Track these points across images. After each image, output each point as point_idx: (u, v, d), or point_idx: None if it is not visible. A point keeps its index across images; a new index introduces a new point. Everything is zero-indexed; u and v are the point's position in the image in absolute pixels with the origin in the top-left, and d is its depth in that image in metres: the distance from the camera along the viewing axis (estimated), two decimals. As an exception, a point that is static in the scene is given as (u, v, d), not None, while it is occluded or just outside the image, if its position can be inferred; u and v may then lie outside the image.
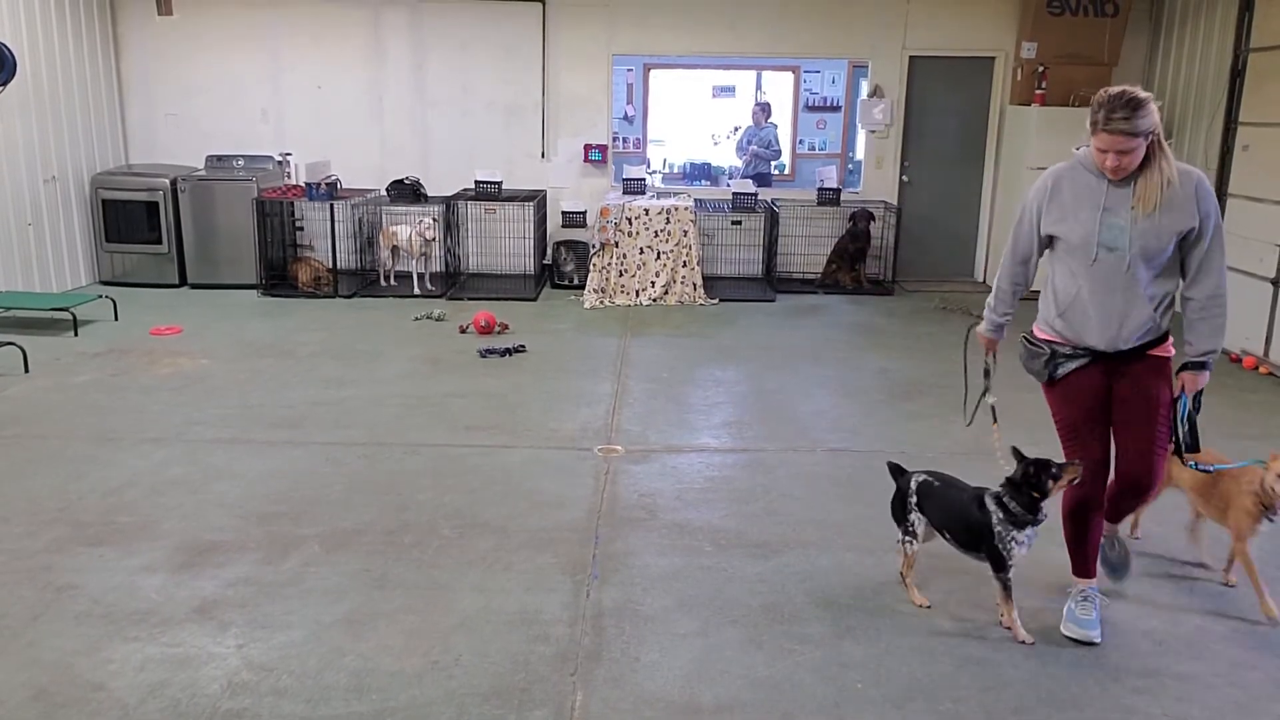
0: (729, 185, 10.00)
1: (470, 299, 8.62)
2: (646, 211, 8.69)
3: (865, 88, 9.79)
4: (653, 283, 8.70)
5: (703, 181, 11.52)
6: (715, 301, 8.72)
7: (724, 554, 4.02)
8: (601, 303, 8.58)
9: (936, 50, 9.41)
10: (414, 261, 8.84)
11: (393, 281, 9.07)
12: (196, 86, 9.42)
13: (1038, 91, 8.82)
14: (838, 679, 3.19)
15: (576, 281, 9.14)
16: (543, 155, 9.61)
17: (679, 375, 6.51)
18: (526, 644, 3.35)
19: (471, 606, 3.57)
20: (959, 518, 3.49)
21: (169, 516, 4.26)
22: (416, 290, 8.76)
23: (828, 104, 12.17)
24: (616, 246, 8.66)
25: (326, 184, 8.64)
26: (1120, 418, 3.40)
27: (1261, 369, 6.80)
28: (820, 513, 4.43)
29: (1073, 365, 3.42)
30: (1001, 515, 3.34)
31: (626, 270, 8.70)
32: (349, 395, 5.96)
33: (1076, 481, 3.31)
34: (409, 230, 8.80)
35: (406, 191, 9.01)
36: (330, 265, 8.80)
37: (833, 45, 9.50)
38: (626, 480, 4.75)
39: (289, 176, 9.33)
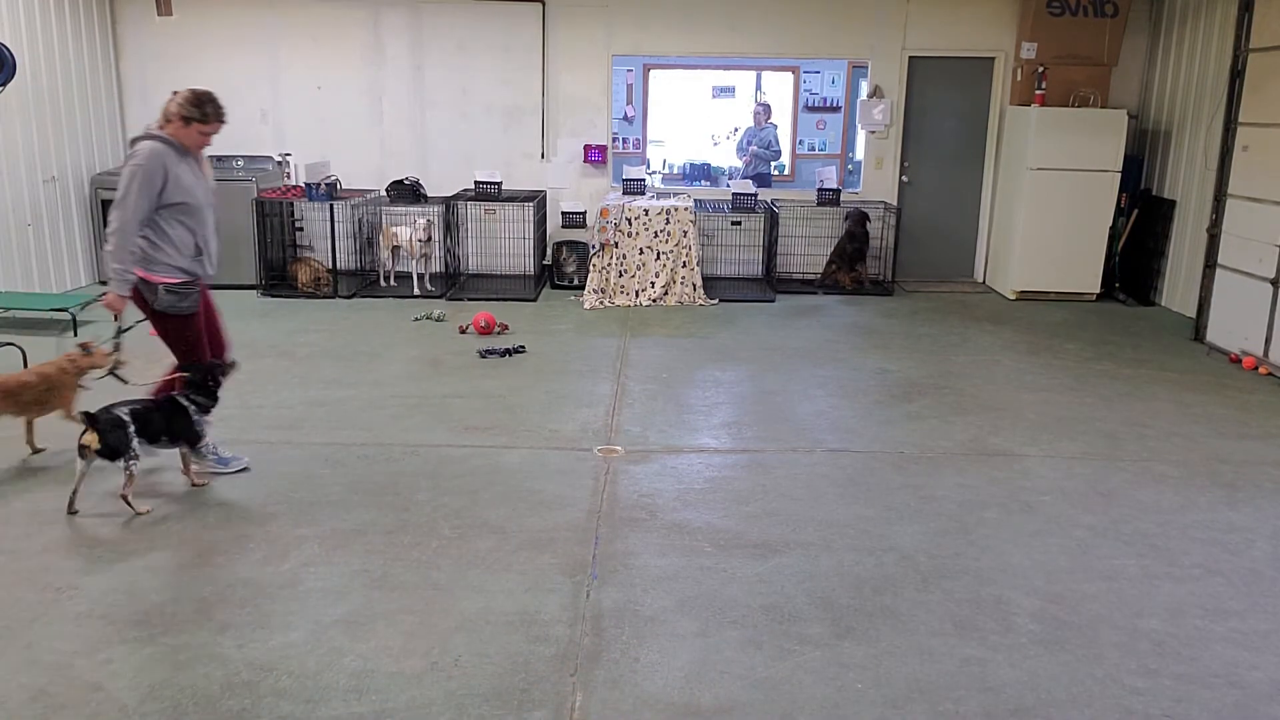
0: (729, 186, 9.99)
1: (470, 299, 8.62)
2: (646, 212, 8.69)
3: (865, 88, 9.79)
4: (652, 283, 8.69)
5: (702, 182, 11.52)
6: (715, 302, 8.72)
7: (724, 554, 4.02)
8: (601, 303, 8.58)
9: (936, 50, 9.41)
10: (414, 262, 8.84)
11: (392, 282, 9.07)
12: (196, 87, 9.40)
13: (1038, 92, 8.82)
14: (838, 679, 3.19)
15: (576, 282, 9.14)
16: (542, 156, 9.61)
17: (679, 376, 6.51)
18: (526, 644, 3.34)
19: (471, 607, 3.57)
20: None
21: (168, 517, 4.26)
22: (416, 291, 8.76)
23: (827, 104, 12.17)
24: (616, 247, 8.66)
25: (326, 184, 8.64)
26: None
27: (1261, 369, 6.80)
28: (820, 513, 4.43)
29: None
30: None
31: (626, 271, 8.70)
32: (348, 396, 5.96)
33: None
34: (409, 231, 8.80)
35: (406, 192, 9.01)
36: (330, 266, 8.80)
37: (832, 45, 9.50)
38: (626, 481, 4.75)
39: (288, 177, 9.33)
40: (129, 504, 4.23)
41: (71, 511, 4.25)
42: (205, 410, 4.42)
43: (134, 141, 4.38)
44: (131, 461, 4.19)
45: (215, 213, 4.65)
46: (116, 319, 4.56)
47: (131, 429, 4.19)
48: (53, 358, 4.82)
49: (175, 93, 4.49)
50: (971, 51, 9.43)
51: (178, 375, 4.55)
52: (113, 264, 4.30)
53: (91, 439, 4.10)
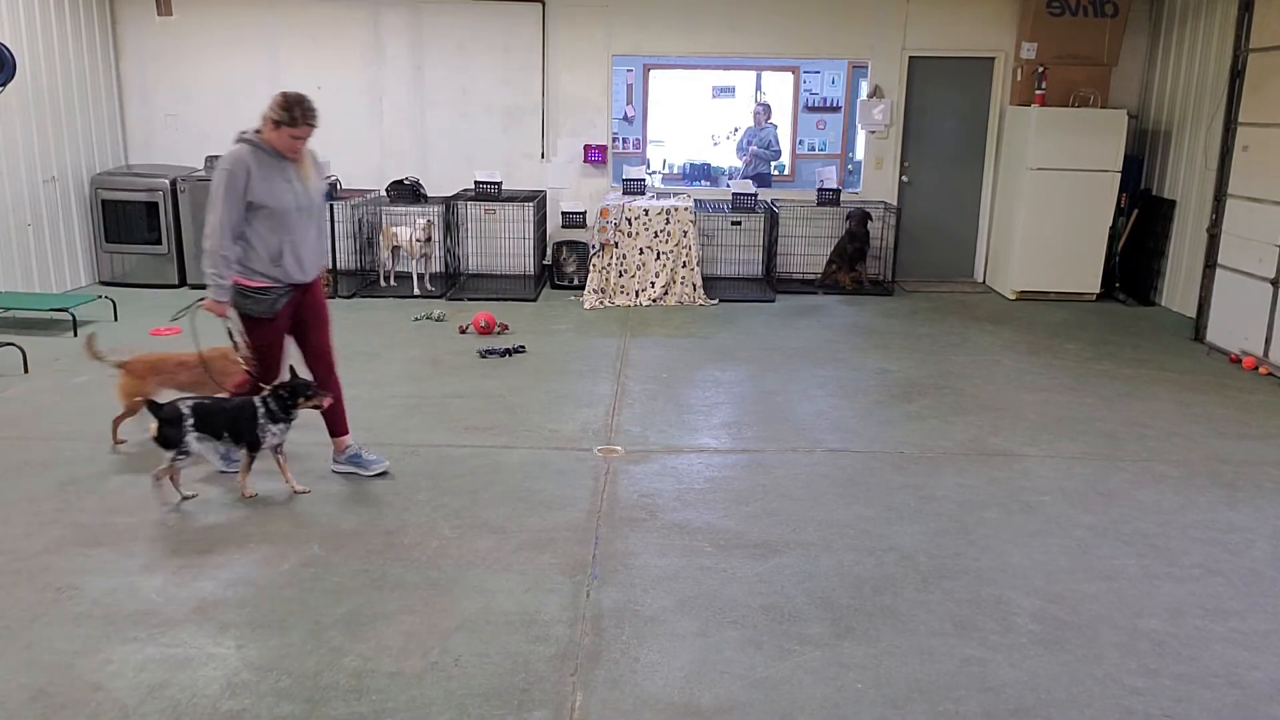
0: (729, 186, 9.99)
1: (470, 299, 8.62)
2: (646, 212, 8.69)
3: (865, 88, 9.79)
4: (652, 283, 8.69)
5: (702, 182, 11.52)
6: (715, 302, 8.72)
7: (724, 554, 4.02)
8: (601, 303, 8.58)
9: (936, 51, 9.41)
10: (414, 262, 8.84)
11: (392, 282, 9.07)
12: (196, 87, 9.42)
13: (1038, 92, 8.82)
14: (838, 679, 3.19)
15: (576, 282, 9.14)
16: (542, 156, 9.61)
17: (679, 376, 6.51)
18: (526, 644, 3.34)
19: (471, 607, 3.57)
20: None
21: (169, 517, 4.27)
22: (416, 291, 8.76)
23: (827, 104, 12.17)
24: (616, 247, 8.66)
25: (326, 184, 8.62)
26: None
27: (1261, 369, 6.80)
28: (820, 513, 4.43)
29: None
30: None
31: (626, 271, 8.70)
32: (348, 396, 5.91)
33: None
34: (409, 231, 8.80)
35: (406, 192, 9.01)
36: (330, 266, 8.78)
37: (832, 46, 9.50)
38: (626, 481, 4.75)
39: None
40: (156, 483, 4.36)
41: (186, 497, 4.43)
42: (274, 421, 4.37)
43: (235, 142, 4.37)
44: (180, 456, 4.29)
45: (315, 219, 4.54)
46: (233, 334, 4.54)
47: (189, 423, 4.27)
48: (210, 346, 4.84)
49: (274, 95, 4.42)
50: (971, 51, 9.42)
51: (259, 381, 4.51)
52: (206, 269, 4.30)
53: (152, 428, 4.25)
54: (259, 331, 4.48)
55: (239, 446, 4.41)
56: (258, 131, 4.33)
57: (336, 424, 4.76)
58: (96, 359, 4.93)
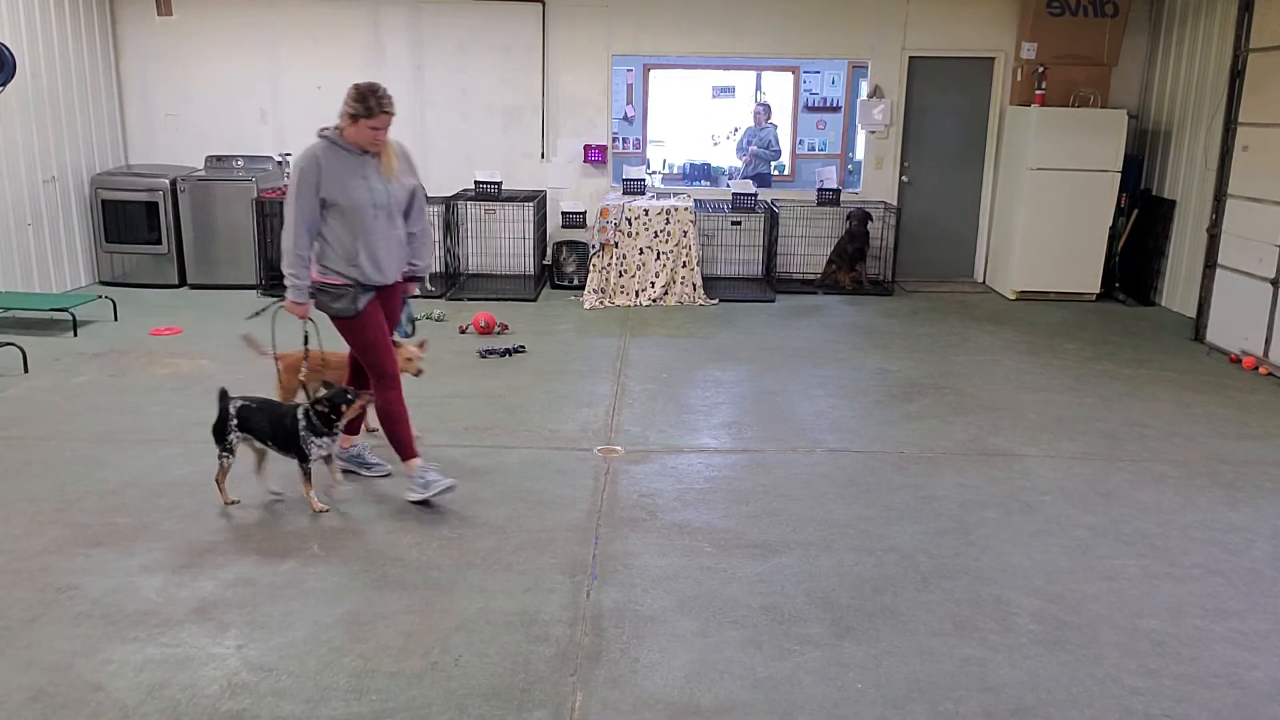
0: (729, 186, 9.99)
1: (470, 299, 8.62)
2: (646, 212, 8.69)
3: (865, 88, 9.79)
4: (652, 283, 8.69)
5: (702, 182, 11.52)
6: (715, 302, 8.72)
7: (724, 554, 4.02)
8: (601, 303, 8.58)
9: (936, 51, 9.41)
10: (414, 262, 8.82)
11: (392, 282, 9.06)
12: (196, 87, 9.42)
13: (1038, 92, 8.82)
14: (838, 679, 3.19)
15: (576, 282, 9.13)
16: (542, 156, 9.61)
17: (679, 376, 6.51)
18: (526, 644, 3.35)
19: (471, 607, 3.57)
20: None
21: (168, 517, 4.26)
22: (416, 291, 8.74)
23: (827, 104, 12.17)
24: (616, 247, 8.66)
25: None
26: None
27: (1261, 369, 6.80)
28: (820, 513, 4.43)
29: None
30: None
31: (626, 271, 8.70)
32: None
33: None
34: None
35: (406, 192, 8.99)
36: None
37: (832, 46, 9.50)
38: (626, 481, 4.75)
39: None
40: (218, 487, 4.38)
41: (274, 496, 4.44)
42: (315, 433, 4.23)
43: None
44: (225, 454, 4.31)
45: (392, 215, 4.34)
46: (308, 339, 4.47)
47: (233, 422, 4.29)
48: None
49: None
50: (971, 51, 9.42)
51: (376, 381, 4.45)
52: (284, 268, 4.21)
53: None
54: (354, 331, 4.35)
55: (286, 455, 4.31)
56: (338, 128, 4.22)
57: (400, 443, 4.50)
58: (260, 352, 4.82)
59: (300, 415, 4.25)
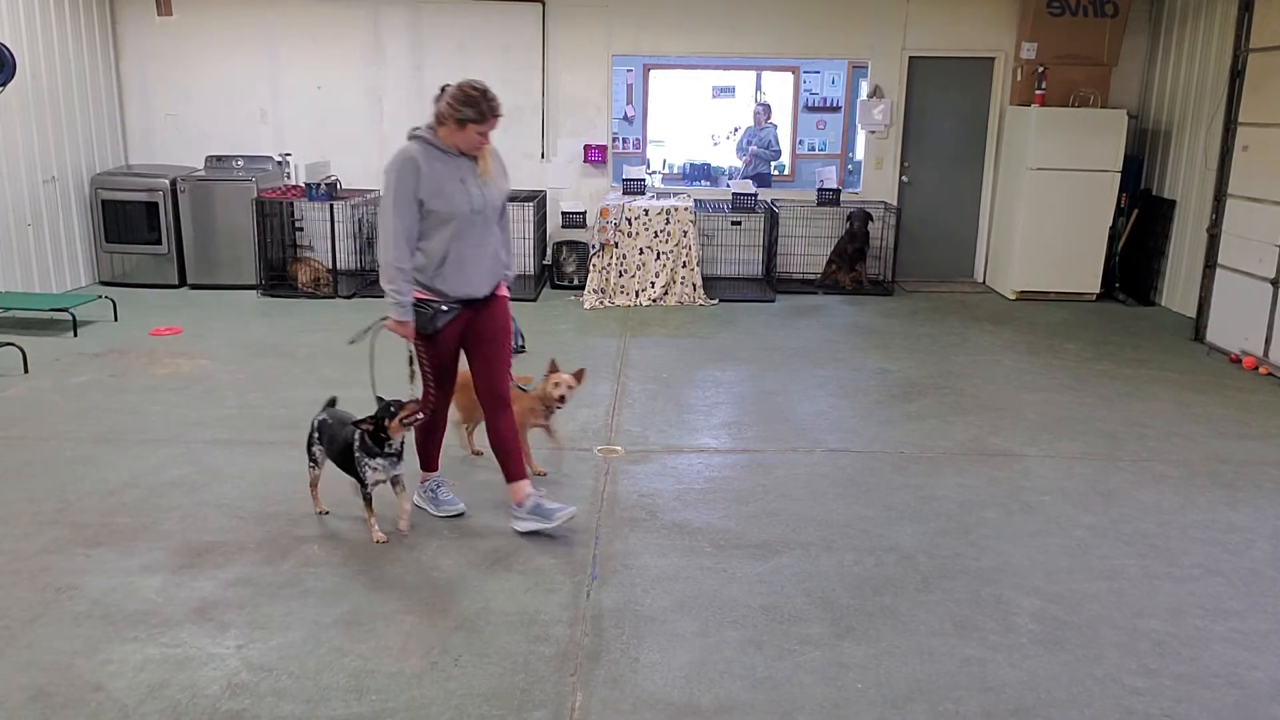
0: (729, 186, 10.00)
1: (470, 299, 8.61)
2: (646, 212, 8.69)
3: (865, 88, 9.79)
4: (652, 283, 8.69)
5: (702, 182, 11.52)
6: (715, 302, 8.72)
7: (724, 554, 4.02)
8: (601, 303, 8.58)
9: (936, 51, 9.41)
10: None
11: (392, 282, 9.05)
12: (196, 87, 9.42)
13: (1037, 92, 8.82)
14: (838, 679, 3.19)
15: (576, 282, 9.14)
16: (542, 156, 9.61)
17: (679, 376, 6.51)
18: (526, 644, 3.34)
19: (471, 607, 3.57)
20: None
21: (168, 517, 4.26)
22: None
23: (827, 104, 12.17)
24: (616, 247, 8.66)
25: (326, 184, 8.64)
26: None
27: (1261, 369, 6.80)
28: (820, 513, 4.43)
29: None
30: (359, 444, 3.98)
31: (626, 271, 8.70)
32: (348, 396, 5.94)
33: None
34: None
35: (406, 192, 8.99)
36: (330, 266, 8.80)
37: (832, 46, 9.50)
38: (626, 481, 4.75)
39: (288, 177, 9.33)
40: (311, 494, 4.31)
41: (320, 512, 4.32)
42: (368, 453, 3.94)
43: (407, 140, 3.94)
44: (310, 464, 4.23)
45: (488, 222, 3.98)
46: (413, 359, 4.14)
47: (315, 435, 4.19)
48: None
49: (444, 88, 3.85)
50: (971, 51, 9.42)
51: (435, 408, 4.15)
52: (384, 284, 3.88)
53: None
54: (428, 349, 4.04)
55: (349, 475, 4.06)
56: (432, 128, 3.88)
57: (511, 469, 4.17)
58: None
59: (357, 435, 3.96)
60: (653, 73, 11.60)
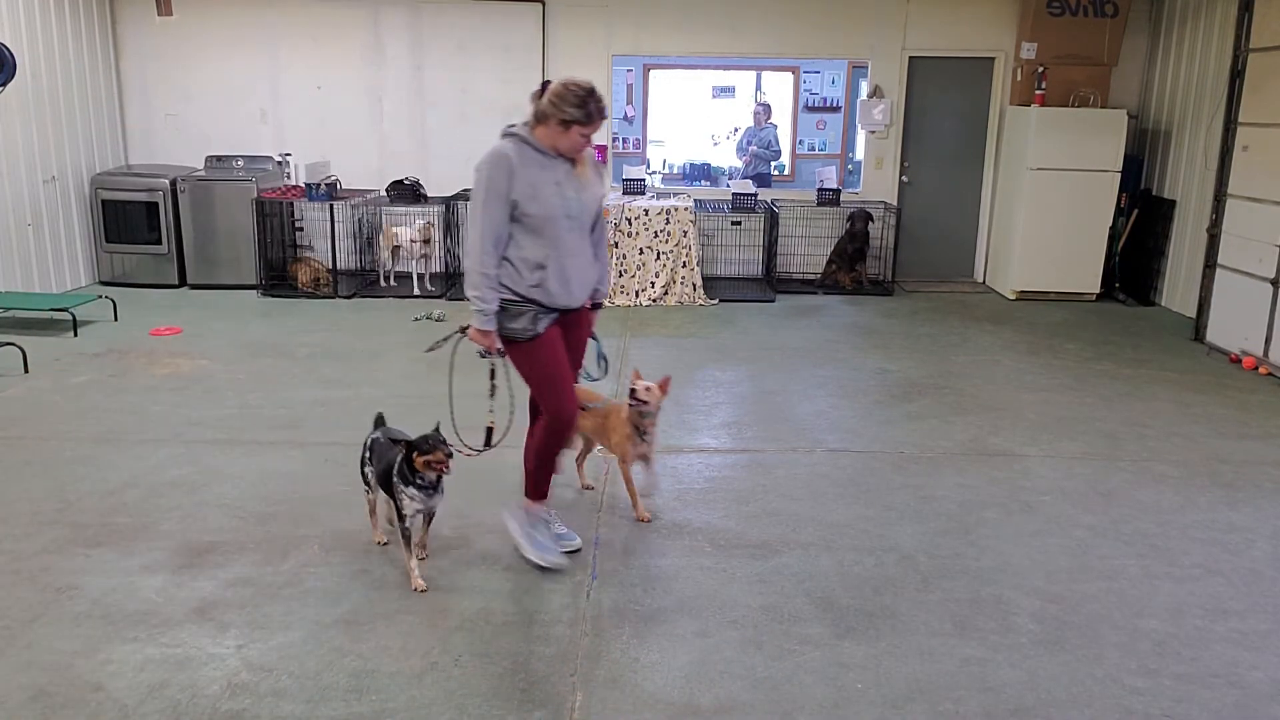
0: (729, 186, 10.00)
1: (470, 299, 8.61)
2: (646, 212, 8.69)
3: (865, 88, 9.79)
4: (652, 283, 8.69)
5: (702, 182, 11.52)
6: (715, 302, 8.72)
7: (724, 554, 4.02)
8: (601, 303, 8.58)
9: (936, 51, 9.41)
10: (414, 262, 8.84)
11: (392, 282, 9.07)
12: (196, 87, 9.43)
13: (1037, 92, 8.82)
14: (838, 679, 3.19)
15: (576, 282, 9.12)
16: (542, 156, 9.60)
17: (678, 376, 6.49)
18: (526, 644, 3.34)
19: (471, 607, 3.57)
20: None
21: (168, 517, 4.26)
22: (416, 291, 8.76)
23: (827, 104, 12.17)
24: (616, 247, 8.66)
25: (326, 184, 8.64)
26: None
27: (1261, 369, 6.80)
28: (820, 513, 4.43)
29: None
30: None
31: (626, 271, 8.70)
32: (349, 396, 5.96)
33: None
34: (409, 231, 8.80)
35: (406, 192, 9.01)
36: (330, 266, 8.80)
37: (832, 46, 9.50)
38: (626, 481, 4.75)
39: (288, 177, 9.33)
40: (370, 521, 4.04)
41: (380, 542, 4.01)
42: (403, 480, 3.64)
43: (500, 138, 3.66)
44: (366, 487, 3.97)
45: (583, 228, 3.73)
46: (487, 355, 3.88)
47: (367, 455, 3.93)
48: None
49: (545, 84, 3.58)
50: (971, 51, 9.43)
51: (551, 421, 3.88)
52: (468, 292, 3.66)
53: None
54: (531, 358, 3.76)
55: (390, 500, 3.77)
56: (528, 125, 3.62)
57: (537, 483, 3.96)
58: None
59: (400, 458, 3.67)
60: (653, 73, 11.60)
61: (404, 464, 3.63)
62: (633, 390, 4.10)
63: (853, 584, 3.80)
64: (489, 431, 4.05)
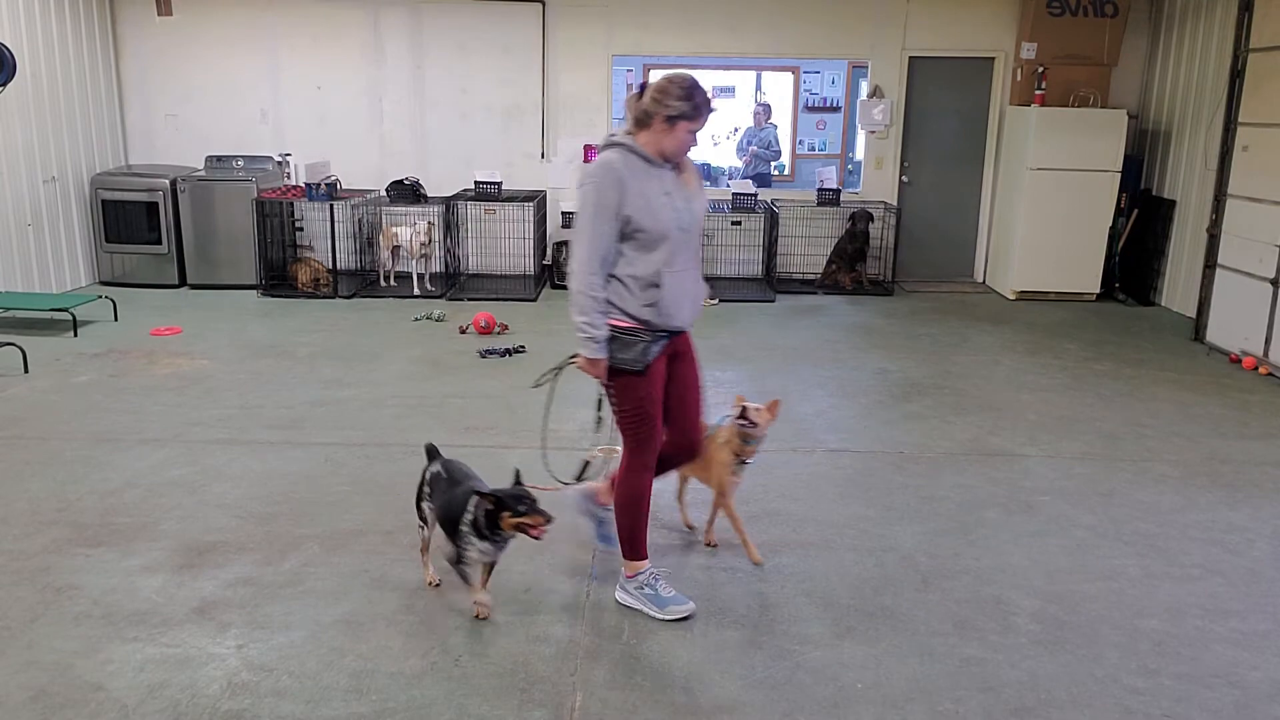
0: (729, 186, 9.99)
1: (470, 299, 8.62)
2: (646, 212, 8.67)
3: (865, 88, 9.79)
4: (652, 283, 8.68)
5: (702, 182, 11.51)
6: (715, 302, 8.72)
7: (724, 554, 4.02)
8: (601, 303, 8.57)
9: (936, 51, 9.41)
10: (414, 262, 8.84)
11: (392, 282, 9.07)
12: (196, 87, 9.43)
13: (1037, 92, 8.82)
14: (838, 679, 3.19)
15: (576, 282, 9.12)
16: (542, 156, 9.61)
17: (679, 376, 6.50)
18: (526, 644, 3.34)
19: (471, 607, 3.57)
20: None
21: (168, 517, 4.26)
22: (416, 291, 8.77)
23: (827, 104, 12.18)
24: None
25: (326, 184, 8.64)
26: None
27: (1261, 369, 6.80)
28: (820, 513, 4.43)
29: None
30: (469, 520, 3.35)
31: (626, 271, 8.68)
32: (348, 396, 5.96)
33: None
34: (409, 231, 8.81)
35: (406, 192, 9.01)
36: (330, 266, 8.80)
37: (832, 46, 9.50)
38: (626, 481, 4.74)
39: (288, 177, 9.33)
40: (421, 558, 3.76)
41: (431, 583, 3.70)
42: (477, 532, 3.32)
43: (601, 149, 3.40)
44: (420, 523, 3.68)
45: (692, 241, 3.50)
46: (603, 404, 3.53)
47: (426, 490, 3.63)
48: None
49: (638, 88, 3.35)
50: (971, 51, 9.43)
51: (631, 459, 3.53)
52: (574, 317, 3.31)
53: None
54: (636, 393, 3.42)
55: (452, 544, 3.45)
56: (629, 134, 3.36)
57: (633, 542, 3.57)
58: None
59: (471, 504, 3.36)
60: (653, 73, 11.60)
61: (485, 518, 3.29)
62: (743, 411, 3.73)
63: (853, 584, 3.80)
64: (585, 465, 3.87)
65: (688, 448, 3.66)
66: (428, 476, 3.64)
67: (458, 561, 3.41)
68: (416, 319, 7.89)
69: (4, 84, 7.62)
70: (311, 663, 3.22)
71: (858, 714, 3.02)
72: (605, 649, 3.33)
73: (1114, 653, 3.37)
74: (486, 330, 7.44)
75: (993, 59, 9.46)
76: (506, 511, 3.26)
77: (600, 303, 3.30)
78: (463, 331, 7.49)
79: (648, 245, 3.32)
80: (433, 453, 3.73)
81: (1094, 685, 3.18)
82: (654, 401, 3.46)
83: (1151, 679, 3.22)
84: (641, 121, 3.32)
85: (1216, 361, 7.11)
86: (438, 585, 3.68)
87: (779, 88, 12.09)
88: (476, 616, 3.47)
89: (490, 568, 3.48)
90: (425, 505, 3.63)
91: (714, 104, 3.38)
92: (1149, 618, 3.60)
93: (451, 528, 3.41)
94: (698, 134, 3.36)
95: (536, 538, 3.30)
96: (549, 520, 3.27)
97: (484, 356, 6.83)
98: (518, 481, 3.36)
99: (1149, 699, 3.12)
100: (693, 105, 3.26)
